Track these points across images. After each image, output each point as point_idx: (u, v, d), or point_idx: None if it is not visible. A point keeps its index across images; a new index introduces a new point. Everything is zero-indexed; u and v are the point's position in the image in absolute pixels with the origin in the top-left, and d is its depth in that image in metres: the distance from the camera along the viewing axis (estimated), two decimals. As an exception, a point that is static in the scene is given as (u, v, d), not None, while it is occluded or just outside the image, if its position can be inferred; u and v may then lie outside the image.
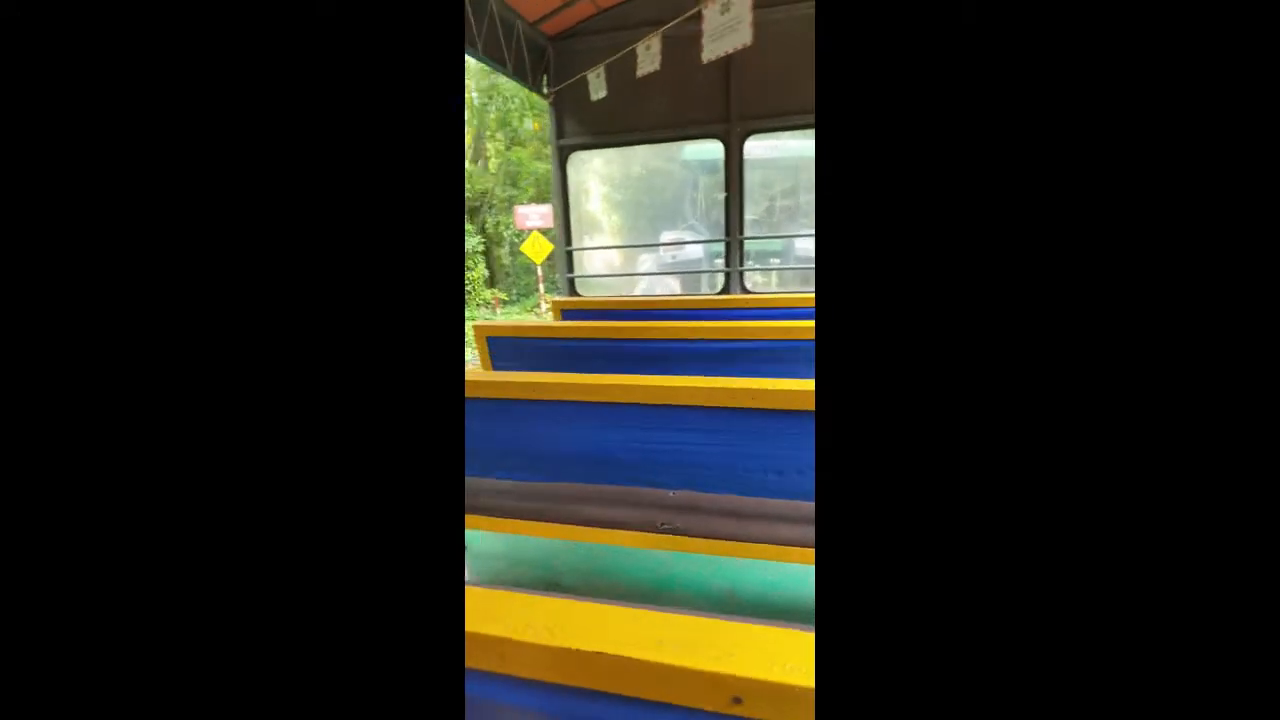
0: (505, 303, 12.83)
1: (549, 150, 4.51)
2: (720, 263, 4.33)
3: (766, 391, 1.34)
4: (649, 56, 3.16)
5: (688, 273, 5.03)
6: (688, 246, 5.34)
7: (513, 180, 13.80)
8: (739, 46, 2.44)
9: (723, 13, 2.47)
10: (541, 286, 9.68)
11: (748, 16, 2.40)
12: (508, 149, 13.72)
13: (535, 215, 8.38)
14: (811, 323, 2.34)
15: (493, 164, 13.70)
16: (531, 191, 13.53)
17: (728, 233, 4.15)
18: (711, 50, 2.54)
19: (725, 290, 4.24)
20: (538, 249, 7.60)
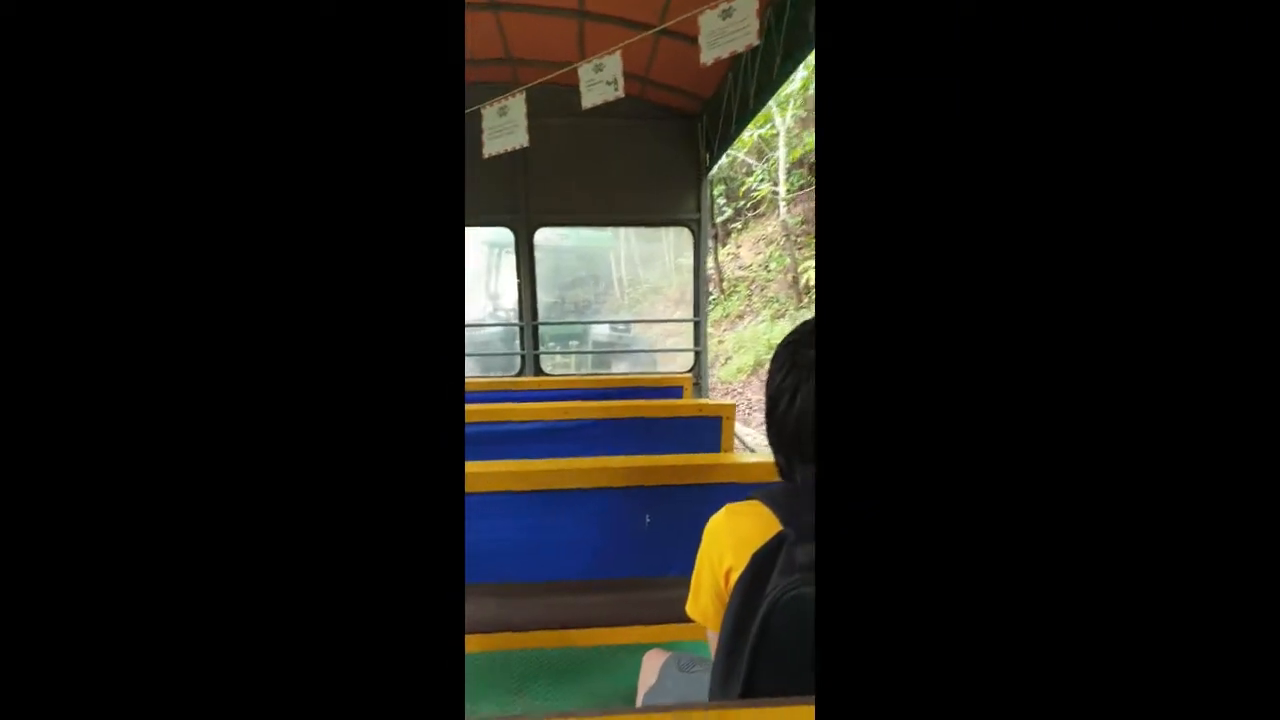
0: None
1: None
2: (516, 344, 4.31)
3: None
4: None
5: (485, 355, 4.91)
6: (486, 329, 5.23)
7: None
8: (517, 147, 2.59)
9: (500, 115, 2.62)
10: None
11: (523, 122, 2.58)
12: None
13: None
14: (612, 403, 2.43)
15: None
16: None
17: (520, 318, 4.18)
18: (491, 147, 2.64)
19: (520, 373, 4.20)
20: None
